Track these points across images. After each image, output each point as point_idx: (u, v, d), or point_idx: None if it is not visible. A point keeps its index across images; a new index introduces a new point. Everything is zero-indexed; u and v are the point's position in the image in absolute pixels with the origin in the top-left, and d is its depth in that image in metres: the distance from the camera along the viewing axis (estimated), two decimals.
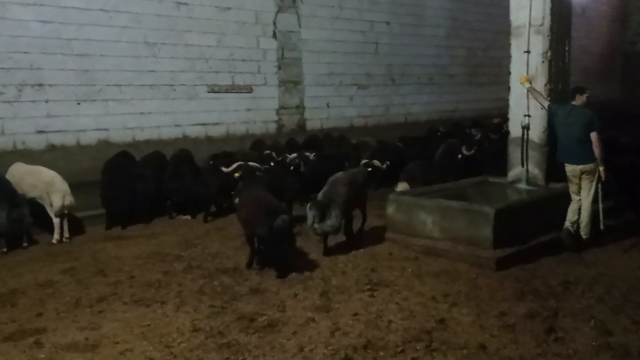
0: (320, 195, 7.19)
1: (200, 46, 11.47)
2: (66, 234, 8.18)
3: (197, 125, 11.58)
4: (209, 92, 11.68)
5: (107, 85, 10.27)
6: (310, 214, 6.93)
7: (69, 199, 8.10)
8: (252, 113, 12.48)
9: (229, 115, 12.06)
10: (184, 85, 11.28)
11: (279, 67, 12.86)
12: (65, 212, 8.14)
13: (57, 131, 9.79)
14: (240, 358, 4.53)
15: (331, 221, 6.94)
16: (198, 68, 11.48)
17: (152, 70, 10.79)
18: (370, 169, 8.74)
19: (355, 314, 5.30)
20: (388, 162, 9.35)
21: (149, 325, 5.20)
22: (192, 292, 5.97)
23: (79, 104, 9.97)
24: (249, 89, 12.33)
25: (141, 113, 10.73)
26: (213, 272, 6.56)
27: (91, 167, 9.61)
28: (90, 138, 10.17)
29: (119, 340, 4.91)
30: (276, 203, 6.79)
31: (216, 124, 11.88)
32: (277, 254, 6.35)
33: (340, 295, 5.76)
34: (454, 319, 5.14)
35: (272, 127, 12.90)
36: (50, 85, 9.61)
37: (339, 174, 7.56)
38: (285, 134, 12.83)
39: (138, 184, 8.94)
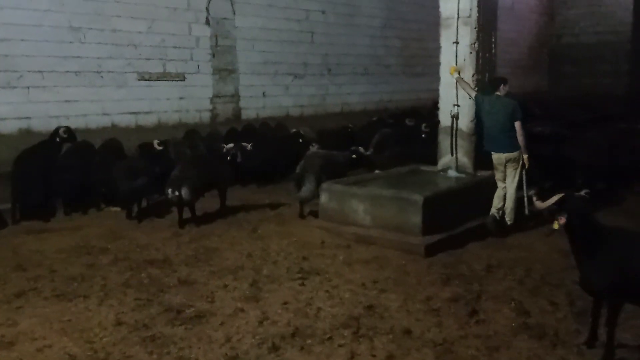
0: (297, 169, 8.36)
1: (129, 32, 11.10)
2: None
3: (127, 114, 11.23)
4: (139, 79, 11.35)
5: (29, 71, 9.79)
6: (291, 185, 8.26)
7: None
8: (185, 102, 12.21)
9: (161, 103, 11.76)
10: (112, 72, 10.89)
11: (213, 55, 12.64)
12: None
13: None
14: (165, 351, 4.43)
15: (306, 187, 7.99)
16: (127, 55, 11.11)
17: (77, 56, 10.36)
18: (354, 156, 9.46)
19: (285, 303, 5.28)
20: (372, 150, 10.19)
21: (69, 320, 4.99)
22: (117, 285, 5.78)
23: None
24: (181, 77, 12.05)
25: (66, 101, 10.30)
26: (140, 264, 6.38)
27: (11, 157, 9.09)
28: (10, 127, 9.68)
29: (37, 337, 4.69)
30: None
31: (147, 112, 11.56)
32: None
33: (270, 285, 5.72)
34: (381, 305, 5.21)
35: (206, 116, 12.67)
36: None
37: (315, 150, 8.91)
38: (220, 123, 12.63)
39: (60, 175, 8.53)
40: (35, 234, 7.71)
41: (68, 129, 9.25)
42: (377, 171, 9.22)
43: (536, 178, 8.11)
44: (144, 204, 8.66)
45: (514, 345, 4.46)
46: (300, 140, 11.22)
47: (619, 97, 19.52)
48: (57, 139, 9.09)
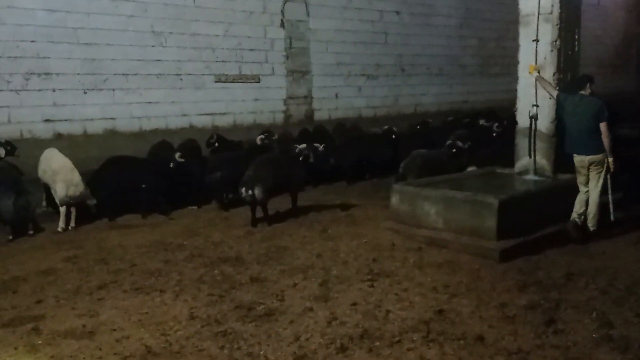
0: (400, 169, 8.93)
1: (207, 35, 11.46)
2: (72, 223, 8.21)
3: (204, 115, 11.59)
4: (216, 81, 11.68)
5: (114, 74, 10.31)
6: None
7: (74, 189, 8.09)
8: (259, 103, 12.46)
9: (237, 105, 12.05)
10: (190, 74, 11.28)
11: (287, 57, 12.82)
12: (71, 201, 8.15)
13: (64, 120, 9.85)
14: (235, 346, 4.51)
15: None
16: (205, 57, 11.48)
17: (158, 60, 10.80)
18: (454, 150, 9.76)
19: (354, 304, 5.25)
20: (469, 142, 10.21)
21: (146, 313, 5.19)
22: (192, 280, 5.96)
23: (85, 92, 10.02)
24: (256, 79, 12.30)
25: (148, 102, 10.76)
26: (214, 261, 6.55)
27: (98, 156, 9.62)
28: (97, 127, 10.21)
29: (116, 328, 4.91)
30: None
31: (223, 113, 11.88)
32: None
33: (339, 285, 5.71)
34: (453, 309, 5.08)
35: (280, 117, 12.86)
36: (56, 74, 9.67)
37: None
38: (293, 124, 12.79)
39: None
40: (119, 229, 8.10)
41: None
42: (472, 168, 9.15)
43: (623, 183, 7.68)
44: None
45: (594, 357, 4.22)
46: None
47: None
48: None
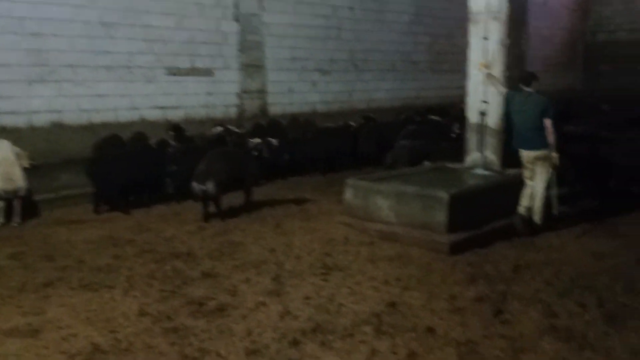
0: (388, 158, 9.71)
1: (159, 28, 11.18)
2: (17, 219, 7.95)
3: (156, 109, 11.31)
4: (167, 75, 11.42)
5: (61, 66, 9.93)
6: None
7: (12, 184, 7.87)
8: (212, 97, 12.25)
9: (189, 98, 11.81)
10: (141, 67, 10.98)
11: (241, 51, 12.66)
12: (7, 196, 7.91)
13: (9, 113, 9.44)
14: (186, 342, 4.45)
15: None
16: (157, 50, 11.19)
17: (108, 52, 10.46)
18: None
19: (307, 298, 5.27)
20: None
21: (95, 310, 5.07)
22: (142, 276, 5.85)
23: (30, 84, 9.63)
24: (209, 73, 12.10)
25: (97, 95, 10.41)
26: (165, 257, 6.44)
27: (44, 149, 9.34)
28: (43, 120, 9.83)
29: (62, 326, 4.77)
30: None
31: (175, 107, 11.62)
32: None
33: (292, 280, 5.72)
34: (404, 302, 5.15)
35: (233, 112, 12.70)
36: (0, 65, 9.25)
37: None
38: (247, 118, 12.67)
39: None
40: (66, 225, 7.88)
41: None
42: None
43: (569, 178, 7.95)
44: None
45: (540, 346, 4.36)
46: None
47: None
48: None
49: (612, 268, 6.04)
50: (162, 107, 11.40)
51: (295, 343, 4.42)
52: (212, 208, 8.01)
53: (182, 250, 6.70)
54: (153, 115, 11.29)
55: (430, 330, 4.61)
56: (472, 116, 8.33)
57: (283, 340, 4.46)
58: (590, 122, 12.52)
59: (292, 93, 13.98)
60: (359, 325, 4.70)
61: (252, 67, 12.98)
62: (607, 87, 22.81)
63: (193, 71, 11.86)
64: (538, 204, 7.13)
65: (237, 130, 11.30)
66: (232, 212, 8.28)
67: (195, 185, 7.78)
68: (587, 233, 7.27)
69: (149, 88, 11.16)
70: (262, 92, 13.27)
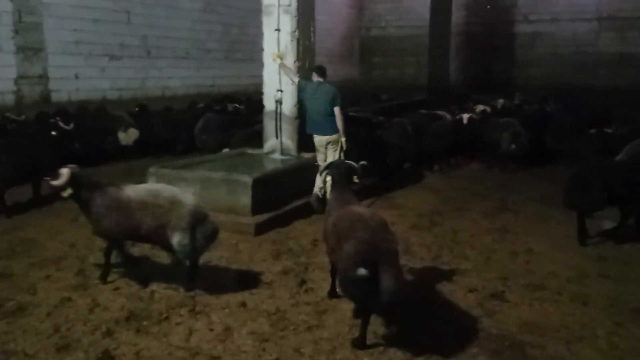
0: None
1: None
2: None
3: None
4: None
5: None
6: None
7: None
8: None
9: None
10: None
11: (16, 32, 11.50)
12: None
13: None
14: None
15: None
16: None
17: None
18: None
19: (117, 289, 5.18)
20: None
21: None
22: None
23: None
24: None
25: None
26: None
27: None
28: None
29: None
30: None
31: None
32: None
33: (98, 272, 5.52)
34: (217, 282, 5.35)
35: (11, 99, 11.55)
36: None
37: None
38: (27, 106, 11.58)
39: None
40: None
41: None
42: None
43: (354, 159, 8.80)
44: None
45: (339, 307, 4.91)
46: None
47: (422, 86, 21.63)
48: None
49: None
50: None
51: (109, 333, 4.36)
52: None
53: None
54: None
55: (243, 304, 4.90)
56: (269, 104, 8.76)
57: (96, 332, 4.37)
58: (367, 108, 13.95)
59: (78, 79, 13.11)
60: (174, 308, 4.79)
61: (31, 50, 11.90)
62: (379, 77, 25.45)
63: None
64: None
65: (17, 118, 10.28)
66: (20, 208, 7.61)
67: None
68: (370, 206, 8.20)
69: None
70: (43, 77, 12.24)
